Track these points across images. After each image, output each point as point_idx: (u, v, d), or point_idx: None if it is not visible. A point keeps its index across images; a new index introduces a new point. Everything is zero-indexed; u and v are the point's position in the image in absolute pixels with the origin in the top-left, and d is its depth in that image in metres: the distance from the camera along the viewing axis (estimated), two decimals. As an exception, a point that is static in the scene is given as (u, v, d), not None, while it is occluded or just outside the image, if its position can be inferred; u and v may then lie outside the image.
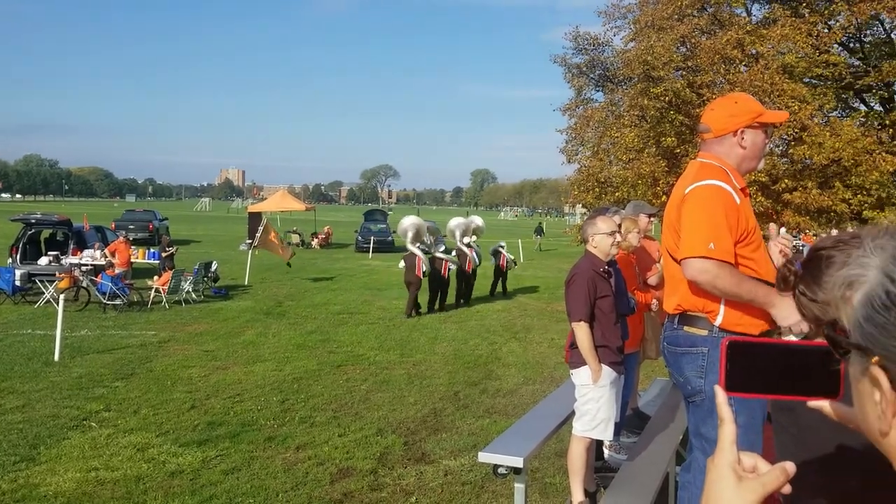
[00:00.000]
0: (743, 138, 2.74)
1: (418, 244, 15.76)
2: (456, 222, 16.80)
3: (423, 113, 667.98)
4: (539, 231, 44.76)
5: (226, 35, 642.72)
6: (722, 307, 2.70)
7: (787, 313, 2.53)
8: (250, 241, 23.64)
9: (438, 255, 16.29)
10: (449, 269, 16.17)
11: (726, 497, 0.86)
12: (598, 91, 15.79)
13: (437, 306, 15.89)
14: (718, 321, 2.71)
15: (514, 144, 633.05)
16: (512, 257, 19.99)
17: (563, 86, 15.81)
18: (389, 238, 34.91)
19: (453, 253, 16.68)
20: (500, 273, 19.20)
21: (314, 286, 19.80)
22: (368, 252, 31.92)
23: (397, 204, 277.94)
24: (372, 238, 33.13)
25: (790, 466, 0.85)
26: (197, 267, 16.87)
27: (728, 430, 0.88)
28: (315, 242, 35.85)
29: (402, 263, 15.79)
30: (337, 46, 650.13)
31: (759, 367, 0.87)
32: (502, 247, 19.39)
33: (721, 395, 0.87)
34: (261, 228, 20.22)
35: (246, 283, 19.47)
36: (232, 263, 23.80)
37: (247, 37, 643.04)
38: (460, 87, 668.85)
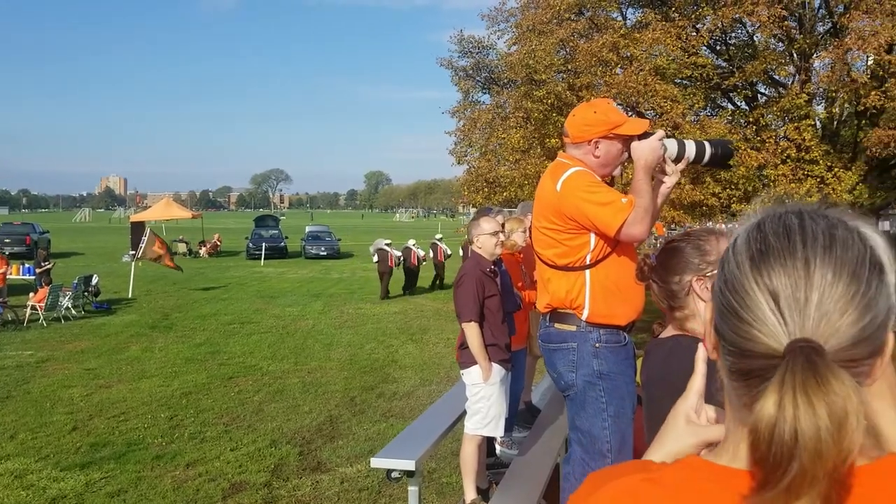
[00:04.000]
0: (597, 147, 2.83)
1: (387, 242, 19.97)
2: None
3: (315, 116, 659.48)
4: None
5: (102, 36, 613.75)
6: (587, 302, 2.81)
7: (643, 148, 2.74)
8: (133, 251, 22.70)
9: (409, 245, 20.56)
10: (418, 258, 20.56)
11: (669, 434, 0.97)
12: (484, 93, 16.08)
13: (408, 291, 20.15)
14: (585, 315, 2.81)
15: (408, 146, 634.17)
16: (398, 254, 20.89)
17: (453, 87, 16.03)
18: (282, 244, 34.26)
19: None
20: (439, 266, 21.33)
21: (203, 296, 19.22)
22: (260, 259, 31.24)
23: (290, 209, 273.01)
24: (264, 245, 32.39)
25: None
26: (76, 281, 16.08)
27: (697, 382, 0.98)
28: (203, 251, 34.78)
29: (375, 257, 19.76)
30: (223, 48, 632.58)
31: None
32: (440, 240, 21.26)
33: (701, 352, 0.96)
34: (144, 238, 19.46)
35: (130, 296, 18.68)
36: (115, 276, 22.79)
37: (125, 37, 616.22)
38: (353, 89, 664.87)
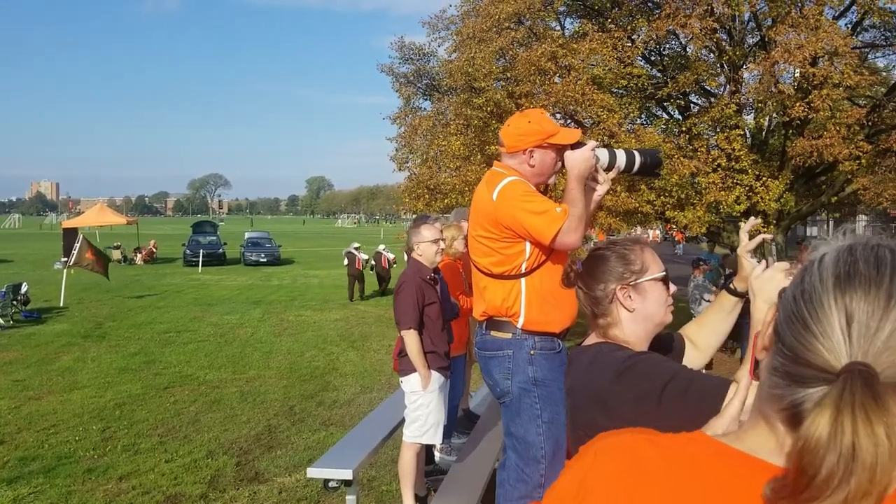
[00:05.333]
0: (532, 156, 2.89)
1: (356, 245, 21.31)
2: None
3: (256, 120, 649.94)
4: None
5: (35, 35, 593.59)
6: (523, 309, 2.85)
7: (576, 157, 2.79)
8: (66, 259, 22.02)
9: (380, 250, 21.80)
10: (388, 261, 21.60)
11: None
12: (426, 100, 16.10)
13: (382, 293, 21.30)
14: (521, 323, 2.86)
15: (350, 151, 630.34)
16: (366, 257, 21.23)
17: (395, 92, 16.00)
18: (220, 250, 33.69)
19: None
20: (359, 275, 21.19)
21: (138, 304, 18.76)
22: (198, 266, 30.67)
23: (229, 214, 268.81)
24: (201, 251, 31.85)
25: None
26: (4, 290, 15.53)
27: (734, 406, 1.06)
28: (139, 258, 33.95)
29: (346, 261, 21.02)
30: (160, 49, 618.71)
31: None
32: (357, 248, 21.31)
33: (745, 381, 1.04)
34: (77, 245, 18.91)
35: (61, 304, 18.11)
36: (45, 284, 22.08)
37: (60, 36, 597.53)
38: (296, 93, 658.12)
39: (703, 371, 1.86)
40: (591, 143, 2.82)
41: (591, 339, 1.83)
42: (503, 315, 2.88)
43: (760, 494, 0.76)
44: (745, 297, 1.97)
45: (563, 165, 2.87)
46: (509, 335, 2.87)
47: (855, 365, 0.72)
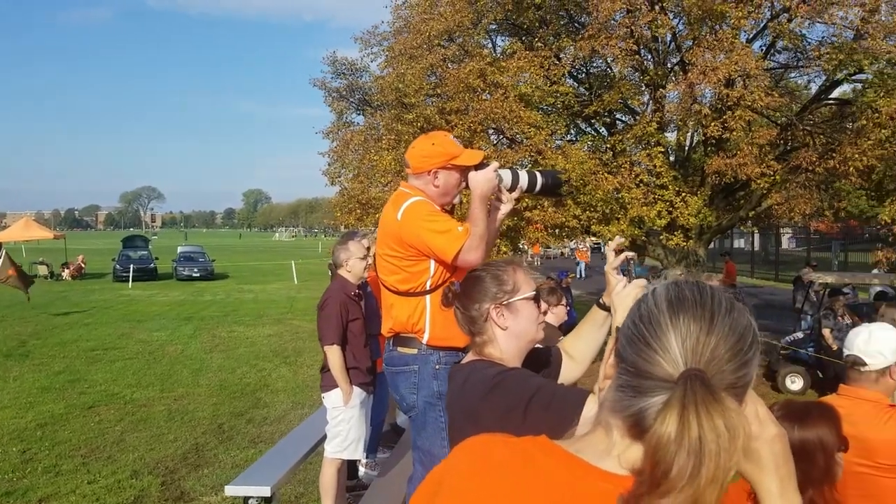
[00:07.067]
0: (436, 177, 3.00)
1: None
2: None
3: (191, 132, 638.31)
4: None
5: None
6: (427, 325, 2.96)
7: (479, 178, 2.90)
8: (-13, 276, 21.22)
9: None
10: None
11: None
12: (358, 114, 16.12)
13: None
14: (426, 339, 2.96)
15: (289, 163, 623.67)
16: None
17: (328, 107, 15.91)
18: (151, 265, 33.01)
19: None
20: None
21: (64, 322, 18.23)
22: (128, 282, 29.95)
23: (163, 228, 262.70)
24: (132, 266, 31.17)
25: None
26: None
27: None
28: (66, 273, 32.93)
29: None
30: (90, 59, 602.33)
31: None
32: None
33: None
34: (-1, 261, 18.31)
35: (-18, 323, 17.48)
36: (-35, 302, 21.25)
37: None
38: (234, 105, 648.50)
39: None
40: (494, 164, 2.96)
41: (469, 356, 1.95)
42: (409, 331, 2.98)
43: (578, 488, 0.91)
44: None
45: (467, 186, 2.99)
46: (415, 351, 2.97)
47: (692, 370, 0.87)
